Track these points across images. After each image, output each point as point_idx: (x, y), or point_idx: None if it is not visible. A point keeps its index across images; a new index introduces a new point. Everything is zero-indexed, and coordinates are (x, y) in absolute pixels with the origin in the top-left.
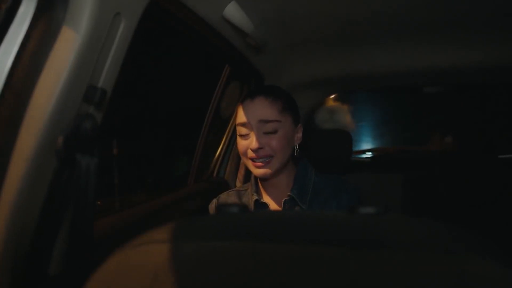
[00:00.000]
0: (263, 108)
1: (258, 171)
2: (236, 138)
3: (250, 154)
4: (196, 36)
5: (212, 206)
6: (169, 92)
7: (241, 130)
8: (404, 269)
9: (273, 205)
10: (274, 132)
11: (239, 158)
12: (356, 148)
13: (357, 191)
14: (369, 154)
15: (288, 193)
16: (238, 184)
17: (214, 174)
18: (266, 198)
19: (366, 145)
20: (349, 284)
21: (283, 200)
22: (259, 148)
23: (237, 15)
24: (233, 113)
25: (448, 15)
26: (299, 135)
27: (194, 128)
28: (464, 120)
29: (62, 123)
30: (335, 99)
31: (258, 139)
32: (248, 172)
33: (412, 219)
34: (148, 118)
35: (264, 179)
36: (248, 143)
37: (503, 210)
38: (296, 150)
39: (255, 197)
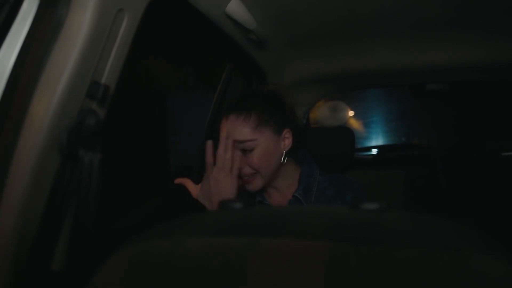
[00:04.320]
0: (236, 128)
1: (246, 187)
2: None
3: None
4: (198, 33)
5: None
6: (170, 89)
7: None
8: (406, 265)
9: (278, 204)
10: (251, 150)
11: None
12: (358, 146)
13: (361, 189)
14: (371, 152)
15: (293, 194)
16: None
17: None
18: (270, 199)
19: (368, 142)
20: (351, 280)
21: (287, 200)
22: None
23: (240, 11)
24: None
25: (449, 13)
26: (287, 141)
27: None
28: (466, 118)
29: (65, 119)
30: (337, 97)
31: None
32: None
33: (414, 215)
34: (149, 114)
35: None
36: None
37: (506, 207)
38: (283, 158)
39: (258, 198)
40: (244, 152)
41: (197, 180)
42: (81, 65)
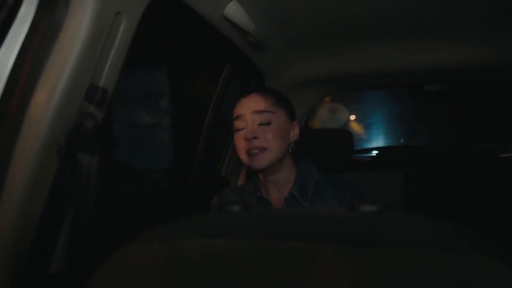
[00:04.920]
0: (256, 101)
1: (253, 163)
2: None
3: (246, 146)
4: (197, 35)
5: (213, 203)
6: (170, 91)
7: (237, 124)
8: (405, 266)
9: (275, 202)
10: (268, 123)
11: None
12: (357, 147)
13: (359, 189)
14: (370, 153)
15: (289, 190)
16: (240, 182)
17: (216, 173)
18: (268, 196)
19: (367, 144)
20: (350, 282)
21: (284, 197)
22: (254, 138)
23: (238, 14)
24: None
25: (448, 14)
26: (296, 131)
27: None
28: (465, 119)
29: (63, 122)
30: (336, 98)
31: (252, 129)
32: (250, 171)
33: (413, 216)
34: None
35: (265, 173)
36: (243, 134)
37: (505, 209)
38: (292, 146)
39: (257, 193)
40: (260, 126)
41: (198, 180)
42: (79, 68)
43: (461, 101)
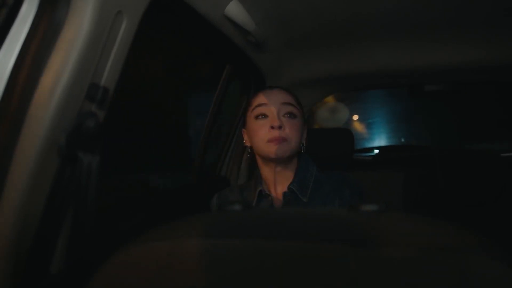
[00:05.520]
0: (283, 94)
1: (274, 151)
2: (237, 136)
3: (267, 134)
4: (198, 35)
5: (213, 201)
6: (169, 91)
7: (260, 110)
8: (405, 266)
9: (275, 198)
10: (292, 117)
11: (240, 157)
12: (358, 147)
13: (359, 187)
14: (371, 153)
15: (288, 185)
16: (240, 181)
17: (216, 172)
18: (269, 191)
19: (368, 143)
20: (350, 281)
21: (282, 192)
22: (279, 127)
23: (239, 13)
24: (234, 112)
25: (448, 14)
26: (305, 135)
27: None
28: (466, 119)
29: (64, 121)
30: (336, 98)
31: (279, 118)
32: (250, 170)
33: (413, 216)
34: (147, 116)
35: (275, 166)
36: (267, 122)
37: (505, 209)
38: (303, 146)
39: (259, 188)
40: (285, 118)
41: (198, 180)
42: (80, 67)
43: (461, 101)
